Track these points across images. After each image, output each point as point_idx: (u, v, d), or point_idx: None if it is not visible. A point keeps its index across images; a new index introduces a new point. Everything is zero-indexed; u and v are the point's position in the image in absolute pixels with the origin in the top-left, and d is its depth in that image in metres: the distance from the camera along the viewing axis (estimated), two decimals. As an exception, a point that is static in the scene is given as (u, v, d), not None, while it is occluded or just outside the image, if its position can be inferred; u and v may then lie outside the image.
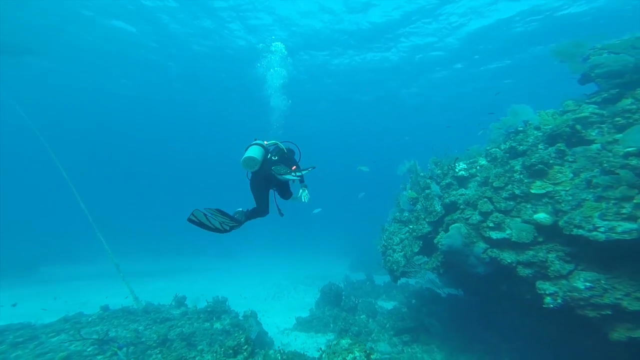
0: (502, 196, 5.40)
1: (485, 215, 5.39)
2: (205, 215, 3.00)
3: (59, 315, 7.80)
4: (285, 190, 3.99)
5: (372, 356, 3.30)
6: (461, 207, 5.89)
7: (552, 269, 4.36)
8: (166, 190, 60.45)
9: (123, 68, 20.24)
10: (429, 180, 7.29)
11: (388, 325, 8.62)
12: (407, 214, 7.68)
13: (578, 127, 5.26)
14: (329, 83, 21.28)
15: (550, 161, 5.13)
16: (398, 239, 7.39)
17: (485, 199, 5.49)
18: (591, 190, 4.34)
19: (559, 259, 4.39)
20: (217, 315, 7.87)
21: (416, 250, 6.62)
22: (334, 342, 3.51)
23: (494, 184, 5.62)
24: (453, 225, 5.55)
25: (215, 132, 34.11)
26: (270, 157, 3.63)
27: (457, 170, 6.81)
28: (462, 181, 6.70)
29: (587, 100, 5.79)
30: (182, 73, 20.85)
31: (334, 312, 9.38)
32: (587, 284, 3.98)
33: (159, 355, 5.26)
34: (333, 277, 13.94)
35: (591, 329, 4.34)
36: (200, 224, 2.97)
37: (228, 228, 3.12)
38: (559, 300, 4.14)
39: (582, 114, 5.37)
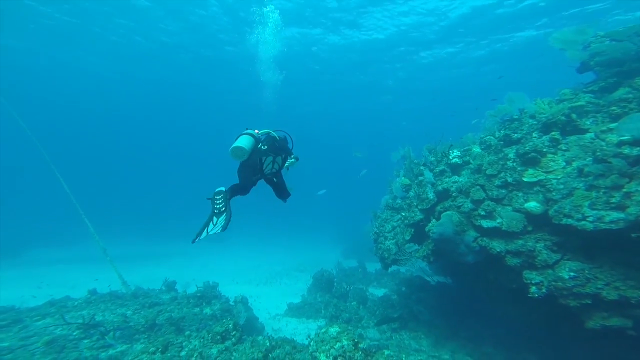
0: (495, 184, 5.35)
1: (477, 203, 5.36)
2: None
3: (47, 300, 7.70)
4: (278, 185, 3.80)
5: (360, 345, 3.28)
6: (454, 194, 5.85)
7: (539, 258, 4.37)
8: (158, 175, 59.65)
9: (98, 46, 19.34)
10: (422, 167, 7.21)
11: (378, 312, 8.75)
12: (399, 201, 7.64)
13: (573, 115, 5.18)
14: (321, 63, 20.60)
15: (544, 149, 5.07)
16: (390, 226, 7.37)
17: (478, 187, 5.44)
18: (582, 179, 4.31)
19: (546, 249, 4.39)
20: (207, 300, 7.85)
21: (408, 238, 6.61)
22: (323, 330, 3.48)
23: (487, 172, 5.56)
24: (445, 213, 5.51)
25: (206, 114, 33.29)
26: (261, 146, 3.52)
27: (450, 157, 6.73)
28: (456, 168, 6.63)
29: (584, 89, 5.69)
30: (165, 51, 20.01)
31: (326, 299, 9.48)
32: (572, 273, 4.00)
33: (146, 340, 5.21)
34: (326, 263, 14.05)
35: (570, 318, 4.43)
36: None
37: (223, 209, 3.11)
38: (544, 290, 4.17)
39: (578, 103, 5.28)
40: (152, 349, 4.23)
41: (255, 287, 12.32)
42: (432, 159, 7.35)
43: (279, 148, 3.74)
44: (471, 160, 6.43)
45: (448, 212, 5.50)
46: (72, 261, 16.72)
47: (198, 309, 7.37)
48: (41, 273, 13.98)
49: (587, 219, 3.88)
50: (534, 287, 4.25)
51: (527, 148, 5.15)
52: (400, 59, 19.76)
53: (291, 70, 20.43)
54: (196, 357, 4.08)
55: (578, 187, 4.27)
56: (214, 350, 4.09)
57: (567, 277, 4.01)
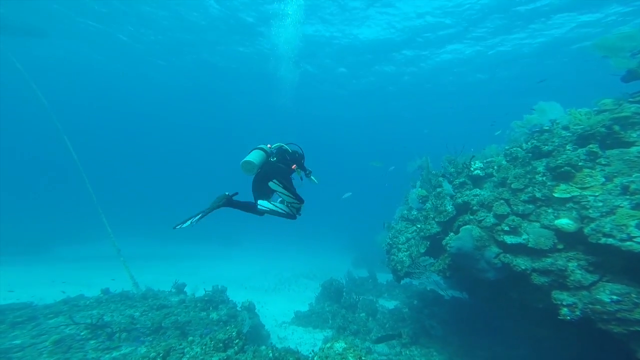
0: (521, 199, 4.97)
1: (500, 218, 4.98)
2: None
3: (63, 297, 7.85)
4: (286, 191, 3.56)
5: (367, 364, 3.03)
6: (474, 208, 5.49)
7: (571, 278, 3.96)
8: (174, 176, 61.25)
9: (121, 50, 20.12)
10: (441, 179, 6.87)
11: (388, 325, 8.36)
12: (415, 213, 7.31)
13: (616, 127, 4.74)
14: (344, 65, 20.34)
15: (580, 163, 4.65)
16: (404, 237, 7.04)
17: (502, 201, 5.07)
18: (627, 197, 3.88)
19: (580, 269, 3.98)
20: (215, 305, 7.74)
21: (423, 250, 6.27)
22: (327, 345, 3.25)
23: (512, 185, 5.19)
24: (464, 227, 5.17)
25: (222, 116, 33.90)
26: (271, 158, 3.64)
27: (472, 169, 6.37)
28: (477, 181, 6.26)
29: (630, 99, 5.23)
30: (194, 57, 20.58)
31: (334, 308, 9.17)
32: (614, 297, 3.58)
33: (150, 344, 5.12)
34: (335, 272, 13.73)
35: (611, 344, 3.96)
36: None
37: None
38: (577, 312, 3.75)
39: (623, 114, 4.82)
40: (153, 354, 4.12)
41: (263, 293, 12.15)
42: (452, 170, 7.00)
43: (289, 160, 3.81)
44: (495, 173, 6.05)
45: (468, 226, 5.15)
46: (93, 259, 17.17)
47: (205, 313, 7.27)
48: (63, 270, 14.40)
49: (634, 240, 3.47)
50: (565, 309, 3.84)
51: (560, 161, 4.75)
52: (414, 60, 19.34)
53: (305, 70, 20.64)
54: (198, 366, 3.93)
55: (622, 205, 3.86)
56: (215, 359, 3.92)
57: (607, 300, 3.60)
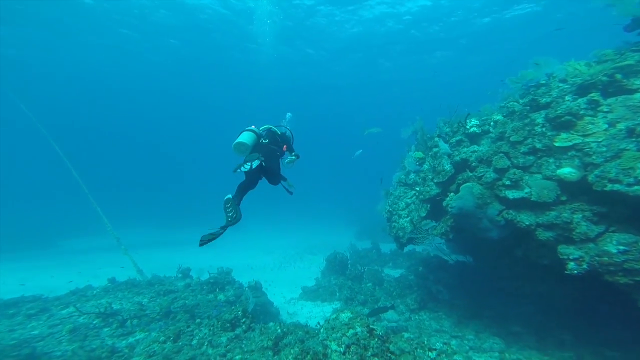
0: (521, 151, 4.78)
1: (501, 172, 4.83)
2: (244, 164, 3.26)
3: (75, 287, 7.91)
4: (272, 175, 3.79)
5: (375, 331, 2.99)
6: (473, 164, 5.32)
7: (577, 231, 3.87)
8: (173, 163, 60.44)
9: (102, 44, 19.16)
10: (437, 139, 6.64)
11: (395, 293, 8.51)
12: (413, 176, 7.15)
13: (618, 76, 4.44)
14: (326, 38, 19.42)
15: (580, 112, 4.41)
16: (404, 203, 6.95)
17: (501, 154, 4.89)
18: (634, 140, 3.69)
19: (585, 220, 3.88)
20: (221, 286, 7.83)
21: (423, 214, 6.19)
22: (333, 317, 3.21)
23: (511, 138, 4.98)
24: (464, 185, 5.03)
25: (219, 102, 32.86)
26: (262, 141, 3.73)
27: (468, 126, 6.12)
28: (474, 138, 6.04)
29: (633, 48, 4.88)
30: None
31: (340, 281, 9.32)
32: (621, 247, 3.49)
33: (158, 329, 5.17)
34: (339, 245, 13.90)
35: (611, 295, 3.96)
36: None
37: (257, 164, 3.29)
38: (584, 266, 3.70)
39: (626, 62, 4.50)
40: (163, 338, 4.14)
41: (269, 272, 12.36)
42: (447, 129, 6.75)
43: (280, 142, 3.91)
44: (491, 129, 5.82)
45: (468, 184, 5.00)
46: (100, 250, 17.20)
47: (212, 295, 7.35)
48: (70, 262, 14.53)
49: (641, 183, 3.32)
50: (572, 263, 3.78)
51: (560, 111, 4.51)
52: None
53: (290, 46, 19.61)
54: (206, 345, 3.95)
55: (628, 148, 3.67)
56: (224, 339, 3.94)
57: (614, 251, 3.52)
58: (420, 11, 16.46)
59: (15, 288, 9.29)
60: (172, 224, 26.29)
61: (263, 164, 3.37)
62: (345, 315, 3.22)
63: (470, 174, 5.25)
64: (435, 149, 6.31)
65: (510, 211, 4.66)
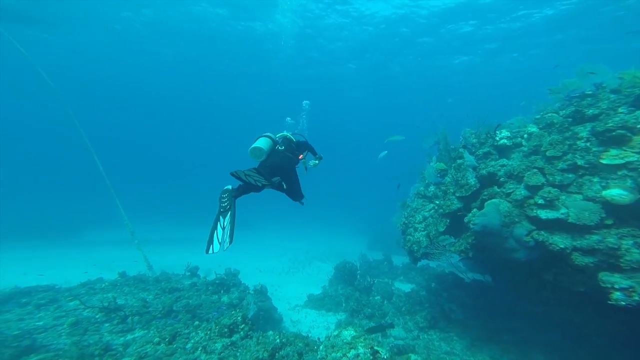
0: (558, 167, 4.30)
1: (533, 189, 4.36)
2: (244, 174, 3.14)
3: (87, 279, 8.02)
4: (291, 186, 3.76)
5: (380, 354, 2.65)
6: (501, 179, 4.87)
7: (626, 258, 3.36)
8: (190, 161, 61.90)
9: (135, 40, 19.95)
10: (461, 150, 6.21)
11: (404, 309, 8.02)
12: (433, 189, 6.73)
13: None
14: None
15: (638, 126, 3.88)
16: (421, 216, 6.53)
17: (535, 170, 4.42)
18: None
19: (638, 247, 3.36)
20: (227, 288, 7.67)
21: (442, 229, 5.75)
22: (334, 334, 2.91)
23: (547, 153, 4.51)
24: (490, 202, 4.59)
25: (237, 100, 33.46)
26: (277, 147, 3.71)
27: (497, 138, 5.66)
28: (504, 151, 5.57)
29: None
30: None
31: (347, 291, 8.93)
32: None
33: (155, 329, 5.04)
34: (349, 254, 13.49)
35: None
36: (239, 178, 3.13)
37: (260, 185, 3.22)
38: (636, 297, 3.18)
39: None
40: (157, 339, 3.97)
41: (277, 276, 12.12)
42: (474, 140, 6.30)
43: (295, 150, 3.89)
44: (524, 142, 5.33)
45: (494, 200, 4.56)
46: (119, 243, 17.63)
47: (216, 296, 7.20)
48: (90, 253, 14.94)
49: None
50: (618, 293, 3.29)
51: (611, 124, 4.02)
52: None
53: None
54: (200, 350, 3.74)
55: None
56: (218, 345, 3.71)
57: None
58: (442, 12, 15.96)
59: (34, 277, 9.53)
60: (189, 221, 26.75)
61: (284, 185, 3.42)
62: (348, 333, 2.90)
63: (498, 190, 4.81)
64: (459, 161, 5.88)
65: (542, 232, 4.17)
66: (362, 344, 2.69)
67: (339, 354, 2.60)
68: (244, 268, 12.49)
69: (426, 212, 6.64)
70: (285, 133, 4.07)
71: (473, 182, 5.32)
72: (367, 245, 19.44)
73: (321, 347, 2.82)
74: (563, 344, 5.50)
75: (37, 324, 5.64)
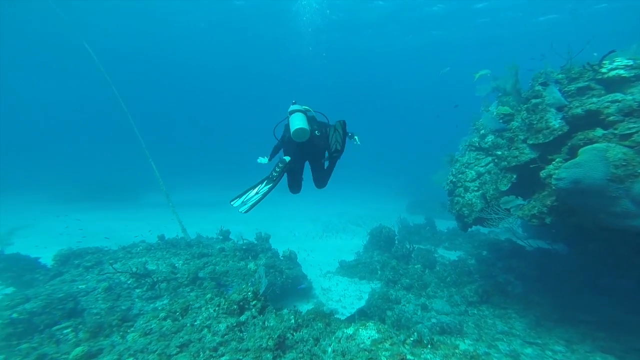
0: None
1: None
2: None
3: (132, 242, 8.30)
4: (322, 173, 3.73)
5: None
6: (611, 118, 3.27)
7: None
8: (236, 124, 61.73)
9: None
10: (539, 87, 4.47)
11: (449, 280, 7.04)
12: (491, 138, 5.20)
13: None
14: None
15: None
16: (474, 172, 5.16)
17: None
18: None
19: None
20: (255, 254, 7.40)
21: (504, 188, 4.40)
22: (349, 332, 2.06)
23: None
24: (589, 148, 3.12)
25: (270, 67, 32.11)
26: (314, 130, 3.52)
27: (605, 69, 3.84)
28: (616, 84, 3.79)
29: None
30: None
31: (383, 258, 8.16)
32: None
33: (167, 301, 4.85)
34: (387, 219, 12.55)
35: None
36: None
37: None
38: None
39: None
40: (163, 314, 3.66)
41: (310, 240, 11.82)
42: (560, 76, 4.48)
43: (326, 135, 3.63)
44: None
45: (598, 145, 3.08)
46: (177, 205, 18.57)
47: (243, 263, 6.96)
48: (146, 214, 16.00)
49: None
50: None
51: None
52: None
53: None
54: (206, 330, 3.31)
55: None
56: (223, 326, 3.22)
57: None
58: None
59: (100, 239, 10.16)
60: (232, 185, 27.57)
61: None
62: (367, 334, 2.05)
63: (601, 133, 3.25)
64: (535, 100, 4.24)
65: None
66: (387, 353, 1.84)
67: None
68: (278, 231, 12.42)
69: (481, 167, 5.23)
70: (313, 111, 3.79)
71: (558, 125, 3.76)
72: (407, 208, 18.17)
73: (329, 351, 2.05)
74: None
75: (80, 286, 5.88)
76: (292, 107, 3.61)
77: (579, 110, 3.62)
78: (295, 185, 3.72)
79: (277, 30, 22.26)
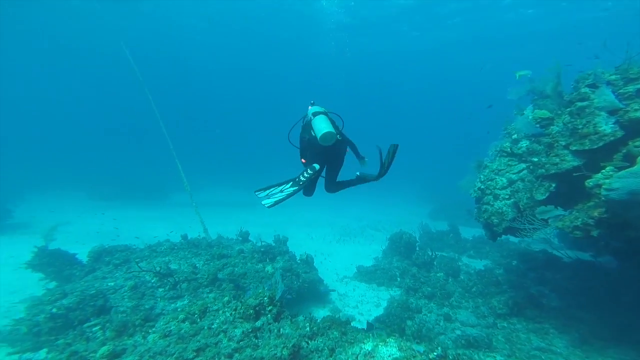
0: None
1: None
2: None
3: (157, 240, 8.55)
4: (336, 176, 3.71)
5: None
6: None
7: None
8: (257, 126, 62.32)
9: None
10: (586, 90, 4.06)
11: (475, 290, 6.66)
12: (526, 143, 4.82)
13: None
14: None
15: None
16: (505, 179, 4.80)
17: None
18: None
19: None
20: (272, 256, 7.39)
21: (541, 197, 4.04)
22: (367, 349, 1.89)
23: None
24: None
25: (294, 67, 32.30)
26: (338, 136, 3.39)
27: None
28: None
29: None
30: None
31: (403, 265, 7.88)
32: None
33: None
34: (408, 224, 12.15)
35: None
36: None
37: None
38: None
39: None
40: (182, 315, 3.68)
41: (327, 244, 11.68)
42: (613, 77, 4.05)
43: (346, 141, 3.65)
44: None
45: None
46: (201, 205, 18.93)
47: (261, 265, 6.97)
48: (172, 213, 16.47)
49: None
50: None
51: None
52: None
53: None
54: (222, 334, 3.29)
55: None
56: (238, 332, 3.18)
57: None
58: None
59: (130, 235, 10.59)
60: (251, 185, 27.81)
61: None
62: (387, 351, 1.89)
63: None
64: (580, 104, 3.86)
65: None
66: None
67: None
68: (296, 234, 12.39)
69: (514, 174, 4.86)
70: (331, 113, 3.62)
71: (610, 130, 3.38)
72: (430, 214, 17.53)
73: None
74: None
75: (109, 284, 6.10)
76: (314, 109, 3.49)
77: (638, 114, 3.22)
78: (311, 189, 3.67)
79: (302, 31, 22.23)
